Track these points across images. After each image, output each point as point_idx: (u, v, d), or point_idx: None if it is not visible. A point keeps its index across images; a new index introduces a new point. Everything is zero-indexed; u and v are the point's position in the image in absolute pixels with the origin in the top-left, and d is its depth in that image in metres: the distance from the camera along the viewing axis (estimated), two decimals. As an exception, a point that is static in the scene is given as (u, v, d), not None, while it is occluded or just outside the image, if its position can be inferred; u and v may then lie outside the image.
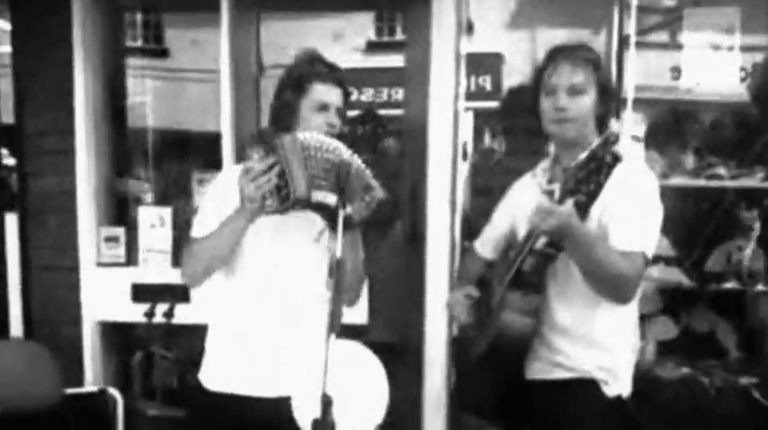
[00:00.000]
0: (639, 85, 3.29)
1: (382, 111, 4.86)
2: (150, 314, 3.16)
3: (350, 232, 1.73)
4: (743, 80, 3.76)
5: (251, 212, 1.77)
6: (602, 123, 1.96)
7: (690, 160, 3.48)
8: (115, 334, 3.49)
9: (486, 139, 4.48)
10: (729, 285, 3.32)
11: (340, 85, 1.97)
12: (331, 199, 1.72)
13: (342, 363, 1.61)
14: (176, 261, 3.31)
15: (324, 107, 1.93)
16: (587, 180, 1.57)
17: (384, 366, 1.75)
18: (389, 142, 4.09)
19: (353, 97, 2.07)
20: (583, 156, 1.59)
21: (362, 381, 1.75)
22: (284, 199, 1.74)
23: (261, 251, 1.94)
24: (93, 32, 3.29)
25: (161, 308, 3.17)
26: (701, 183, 3.39)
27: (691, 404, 3.15)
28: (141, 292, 3.24)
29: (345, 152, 1.74)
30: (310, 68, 1.95)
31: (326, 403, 1.46)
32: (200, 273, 1.96)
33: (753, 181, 3.32)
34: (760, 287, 3.31)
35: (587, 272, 1.80)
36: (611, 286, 1.82)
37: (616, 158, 1.54)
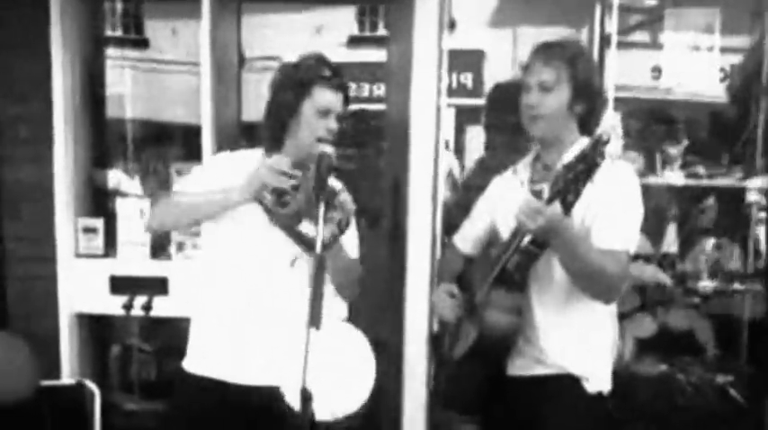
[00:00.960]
0: (620, 84, 3.30)
1: (364, 107, 4.84)
2: (128, 306, 3.14)
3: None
4: (722, 81, 3.80)
5: (249, 193, 1.77)
6: (583, 122, 1.95)
7: (668, 159, 3.51)
8: (93, 326, 3.45)
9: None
10: (706, 283, 3.35)
11: (342, 89, 1.96)
12: (311, 230, 1.73)
13: (331, 341, 1.62)
14: (155, 253, 3.30)
15: (326, 112, 1.92)
16: (576, 180, 1.57)
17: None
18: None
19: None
20: (572, 156, 1.59)
21: (349, 360, 1.80)
22: (281, 205, 1.76)
23: (250, 249, 1.93)
24: (71, 21, 3.25)
25: (139, 300, 3.15)
26: (680, 181, 3.42)
27: (667, 401, 3.18)
28: (119, 284, 3.21)
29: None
30: (316, 71, 1.92)
31: (306, 398, 1.46)
32: (168, 224, 2.08)
33: (730, 180, 3.35)
34: (736, 286, 3.35)
35: (572, 270, 1.81)
36: (597, 285, 1.82)
37: (602, 157, 1.55)
